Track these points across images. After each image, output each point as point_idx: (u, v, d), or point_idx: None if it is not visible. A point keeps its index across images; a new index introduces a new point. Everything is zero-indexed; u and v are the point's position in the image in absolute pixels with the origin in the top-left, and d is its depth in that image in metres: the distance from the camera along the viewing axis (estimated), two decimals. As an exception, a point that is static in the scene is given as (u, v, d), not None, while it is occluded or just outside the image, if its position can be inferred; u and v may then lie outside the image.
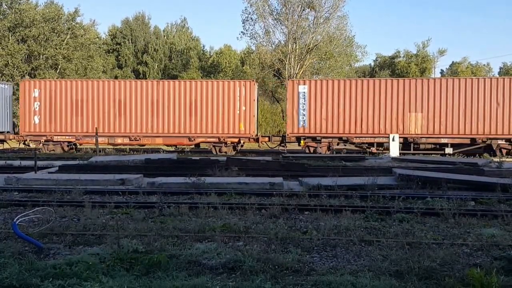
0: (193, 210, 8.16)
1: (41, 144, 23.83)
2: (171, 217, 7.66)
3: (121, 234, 6.13)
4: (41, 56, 40.00)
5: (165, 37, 60.10)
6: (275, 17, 39.04)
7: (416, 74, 49.19)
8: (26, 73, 38.99)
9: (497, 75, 58.18)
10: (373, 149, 22.37)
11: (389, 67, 57.91)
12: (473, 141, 21.98)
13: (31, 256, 5.43)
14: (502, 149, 21.95)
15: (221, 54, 55.29)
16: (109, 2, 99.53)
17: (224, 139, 23.21)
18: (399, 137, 22.13)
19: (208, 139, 23.46)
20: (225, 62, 53.08)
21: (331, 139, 22.61)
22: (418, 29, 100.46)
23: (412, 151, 21.96)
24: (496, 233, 6.72)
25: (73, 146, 24.60)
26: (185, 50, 57.56)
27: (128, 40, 57.28)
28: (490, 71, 62.40)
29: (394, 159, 19.37)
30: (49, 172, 13.73)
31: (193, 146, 24.17)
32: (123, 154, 21.65)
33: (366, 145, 22.68)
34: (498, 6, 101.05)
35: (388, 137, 22.16)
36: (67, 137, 23.77)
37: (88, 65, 43.22)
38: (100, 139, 21.91)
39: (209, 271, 5.03)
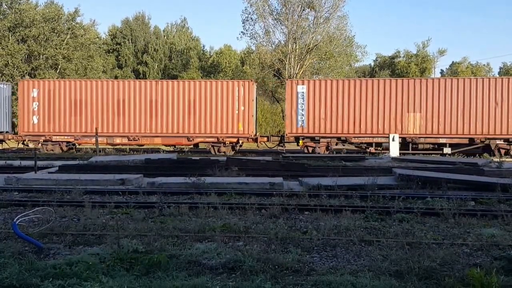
0: (193, 210, 8.16)
1: (39, 144, 23.82)
2: (171, 217, 7.66)
3: (121, 234, 6.13)
4: (41, 56, 39.99)
5: (165, 37, 60.10)
6: (275, 17, 39.06)
7: (416, 74, 49.20)
8: (26, 73, 38.98)
9: (497, 75, 58.22)
10: (372, 149, 22.39)
11: (389, 67, 57.92)
12: (472, 141, 21.98)
13: (31, 256, 5.43)
14: (501, 149, 21.96)
15: (221, 54, 55.31)
16: (109, 2, 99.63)
17: (222, 139, 23.21)
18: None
19: (207, 139, 23.46)
20: (225, 62, 53.10)
21: (329, 139, 22.62)
22: (418, 29, 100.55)
23: (410, 151, 21.97)
24: (496, 233, 6.72)
25: (72, 146, 24.61)
26: (185, 50, 57.57)
27: (128, 40, 57.27)
28: (490, 71, 62.41)
29: (394, 159, 19.38)
30: (49, 172, 13.74)
31: (191, 146, 24.18)
32: (123, 154, 21.65)
33: (365, 145, 22.71)
34: (498, 6, 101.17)
35: (386, 137, 22.19)
36: (65, 137, 23.76)
37: (88, 65, 43.22)
38: (99, 139, 21.91)
39: (209, 271, 5.03)
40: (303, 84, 23.06)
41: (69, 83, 24.21)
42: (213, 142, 23.42)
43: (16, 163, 16.78)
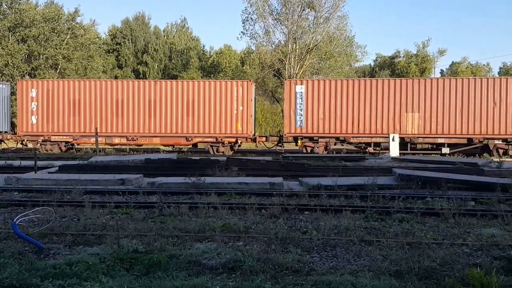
0: (193, 210, 8.16)
1: (38, 144, 23.81)
2: (171, 217, 7.66)
3: (121, 234, 6.13)
4: (41, 56, 39.97)
5: (165, 37, 60.08)
6: (275, 17, 39.03)
7: (416, 74, 49.20)
8: (26, 73, 38.96)
9: (497, 75, 58.22)
10: (370, 149, 22.40)
11: (389, 67, 57.92)
12: (470, 141, 21.98)
13: (31, 256, 5.43)
14: (499, 149, 21.97)
15: (221, 54, 55.30)
16: (109, 2, 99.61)
17: (221, 139, 23.20)
18: (396, 137, 22.18)
19: (206, 139, 23.45)
20: (225, 62, 53.09)
21: (328, 139, 22.62)
22: (418, 29, 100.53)
23: (409, 151, 21.98)
24: (496, 233, 6.73)
25: (71, 146, 24.59)
26: (185, 50, 57.56)
27: (128, 40, 57.26)
28: (490, 71, 62.40)
29: (394, 159, 19.39)
30: (49, 172, 13.73)
31: (190, 146, 24.17)
32: (123, 154, 21.64)
33: (363, 145, 22.71)
34: (498, 6, 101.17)
35: (385, 137, 22.20)
36: (64, 137, 23.75)
37: (88, 65, 43.20)
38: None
39: (209, 271, 5.03)
40: (301, 84, 23.06)
41: (68, 83, 24.20)
42: (211, 142, 23.41)
43: (16, 163, 16.77)
